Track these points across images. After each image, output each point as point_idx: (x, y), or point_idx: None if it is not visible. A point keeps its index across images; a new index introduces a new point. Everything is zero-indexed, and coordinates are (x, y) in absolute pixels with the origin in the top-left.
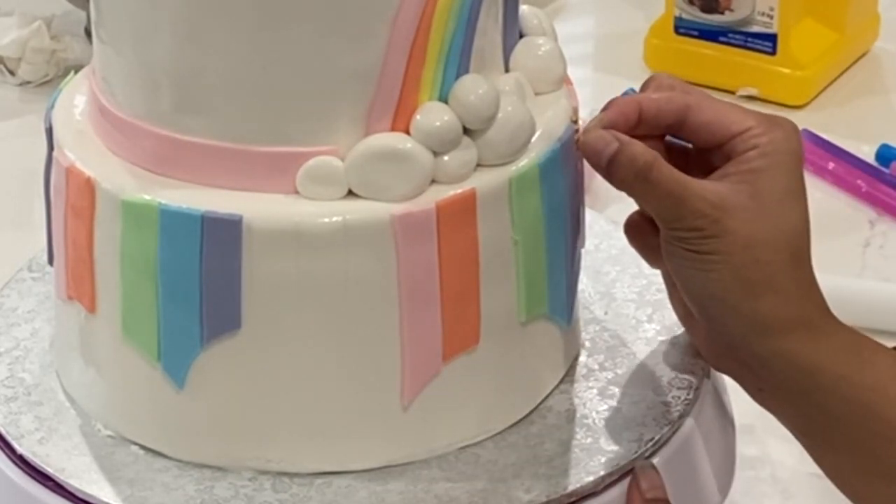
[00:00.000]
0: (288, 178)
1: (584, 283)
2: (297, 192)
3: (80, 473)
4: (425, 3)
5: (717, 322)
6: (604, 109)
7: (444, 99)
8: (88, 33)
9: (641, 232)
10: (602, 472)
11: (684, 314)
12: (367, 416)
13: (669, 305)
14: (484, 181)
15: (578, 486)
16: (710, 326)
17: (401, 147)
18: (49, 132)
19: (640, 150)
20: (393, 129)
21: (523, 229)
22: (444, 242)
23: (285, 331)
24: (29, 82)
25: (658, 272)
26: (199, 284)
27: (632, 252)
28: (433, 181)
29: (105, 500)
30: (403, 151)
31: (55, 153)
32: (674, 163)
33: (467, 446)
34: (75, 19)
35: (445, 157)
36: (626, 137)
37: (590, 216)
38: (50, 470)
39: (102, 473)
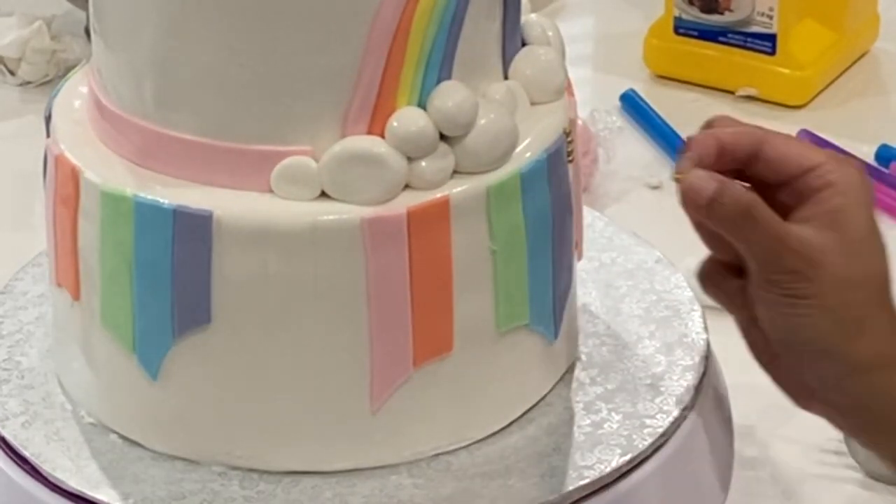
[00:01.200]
0: (263, 176)
1: (592, 297)
2: (271, 191)
3: (55, 459)
4: (404, 6)
5: (810, 365)
6: (686, 148)
7: (422, 104)
8: (88, 33)
9: (719, 279)
10: (570, 488)
11: (768, 360)
12: (336, 418)
13: (674, 323)
14: (460, 189)
15: (544, 500)
16: (801, 369)
17: (374, 151)
18: (48, 120)
19: (740, 191)
20: (369, 132)
21: (502, 239)
22: (415, 248)
23: (254, 328)
24: (29, 82)
25: (670, 289)
26: (170, 278)
27: (647, 268)
28: (407, 186)
29: (73, 486)
30: (377, 155)
31: (48, 141)
32: None
33: (441, 454)
34: (75, 19)
35: (422, 163)
36: (724, 178)
37: (612, 230)
38: (27, 453)
39: (77, 460)
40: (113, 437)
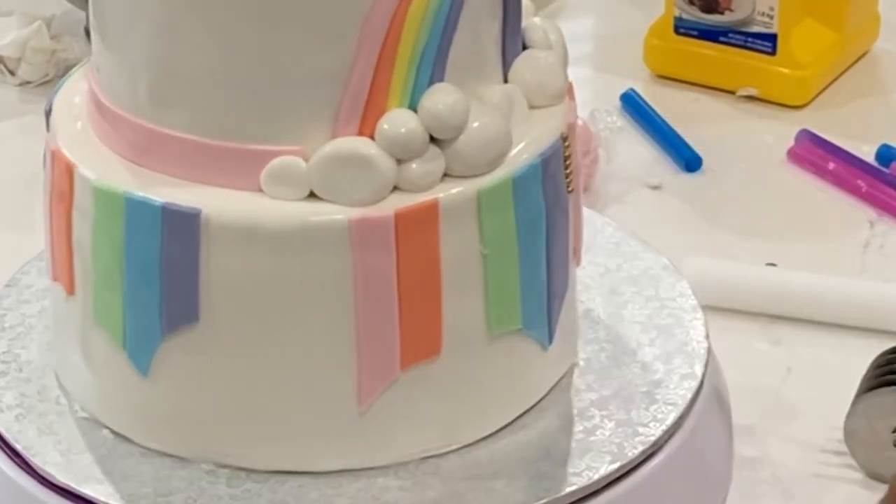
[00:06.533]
0: (253, 175)
1: (596, 302)
2: (261, 190)
3: (46, 452)
4: (396, 7)
5: None
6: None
7: (413, 106)
8: (88, 33)
9: None
10: (557, 495)
11: None
12: (324, 419)
13: (675, 330)
14: (449, 192)
15: None
16: None
17: (363, 152)
18: (48, 115)
19: None
20: (360, 133)
21: (493, 243)
22: (402, 250)
23: (242, 327)
24: (29, 82)
25: (674, 297)
26: (159, 275)
27: (652, 274)
28: (397, 188)
29: (62, 480)
30: (365, 157)
31: (47, 137)
32: None
33: (430, 456)
34: (75, 19)
35: (412, 165)
36: None
37: (619, 236)
38: (18, 446)
39: (67, 455)
40: (105, 432)
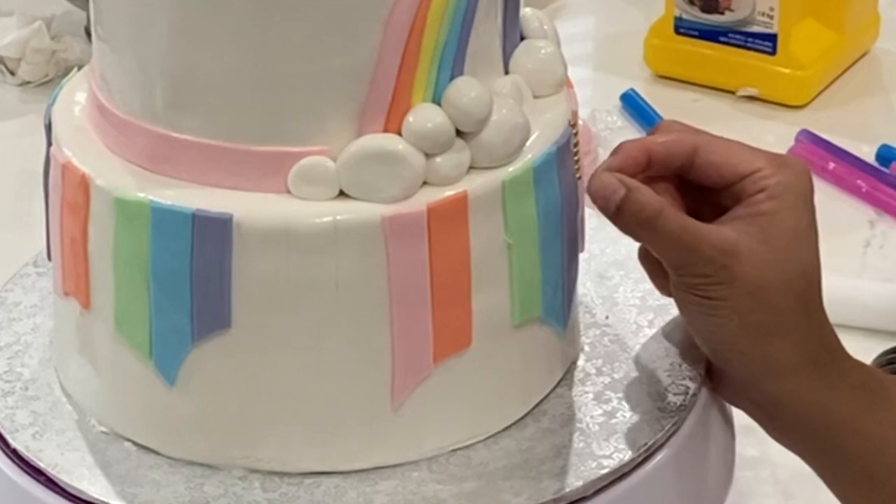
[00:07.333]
0: (280, 177)
1: (587, 287)
2: (288, 192)
3: (72, 468)
4: (419, 4)
5: (728, 364)
6: (613, 153)
7: (437, 100)
8: (88, 33)
9: (652, 264)
10: (592, 477)
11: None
12: (358, 418)
13: (672, 311)
14: (476, 184)
15: (568, 490)
16: (724, 367)
17: (392, 148)
18: (48, 128)
19: (648, 198)
20: (385, 130)
21: (517, 232)
22: (435, 244)
23: (275, 330)
24: (29, 82)
25: None
26: (189, 282)
27: (636, 257)
28: (425, 183)
29: (95, 495)
30: (395, 153)
31: (52, 149)
32: (688, 203)
33: (459, 448)
34: (75, 19)
35: (438, 159)
36: (634, 183)
37: (596, 221)
38: (42, 465)
39: (94, 469)
40: (127, 444)
